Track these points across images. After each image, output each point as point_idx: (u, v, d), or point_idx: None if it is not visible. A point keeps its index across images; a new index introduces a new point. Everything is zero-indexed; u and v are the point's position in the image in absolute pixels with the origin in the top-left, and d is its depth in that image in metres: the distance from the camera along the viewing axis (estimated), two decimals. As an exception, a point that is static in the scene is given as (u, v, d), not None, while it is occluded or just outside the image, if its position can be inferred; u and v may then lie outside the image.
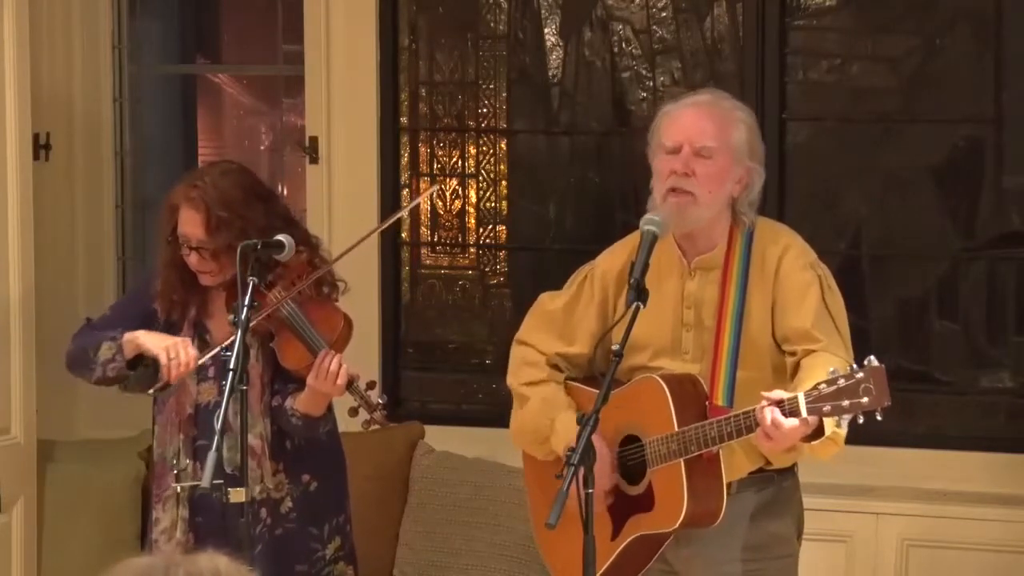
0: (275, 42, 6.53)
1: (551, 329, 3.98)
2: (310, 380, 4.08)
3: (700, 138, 3.76)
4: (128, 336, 4.19)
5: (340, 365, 4.06)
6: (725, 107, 3.85)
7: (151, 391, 4.17)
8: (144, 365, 4.20)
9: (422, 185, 5.75)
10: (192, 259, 4.20)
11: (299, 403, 4.15)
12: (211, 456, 3.78)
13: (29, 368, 5.27)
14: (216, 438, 3.81)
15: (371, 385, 4.14)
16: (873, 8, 5.25)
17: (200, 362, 4.12)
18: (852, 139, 5.32)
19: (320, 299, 4.24)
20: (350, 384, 4.07)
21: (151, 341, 4.16)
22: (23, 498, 5.33)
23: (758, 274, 3.79)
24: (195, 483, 4.06)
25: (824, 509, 4.83)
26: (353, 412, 4.12)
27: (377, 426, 4.13)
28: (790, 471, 3.88)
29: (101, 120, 6.07)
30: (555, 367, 3.98)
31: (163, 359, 4.10)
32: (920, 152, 5.24)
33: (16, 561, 5.29)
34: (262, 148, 7.17)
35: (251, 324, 3.90)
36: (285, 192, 6.62)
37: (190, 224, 4.18)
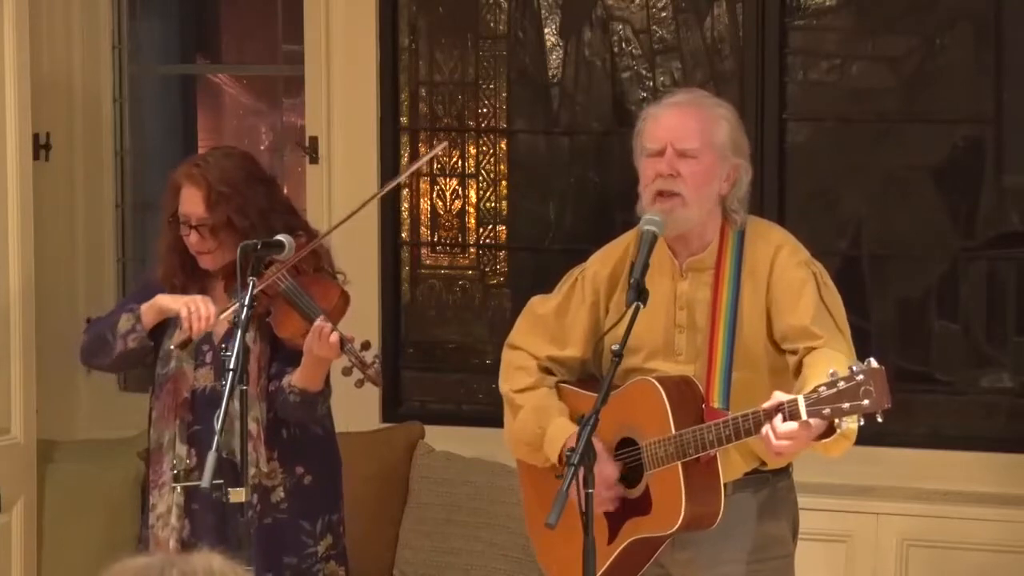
0: (275, 42, 6.52)
1: (542, 332, 3.98)
2: (306, 343, 4.09)
3: (683, 139, 3.75)
4: (146, 304, 4.25)
5: (333, 328, 4.07)
6: (706, 105, 3.85)
7: (173, 346, 4.22)
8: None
9: (422, 186, 5.75)
10: (192, 239, 4.22)
11: (296, 377, 4.16)
12: (211, 456, 3.77)
13: (29, 368, 5.27)
14: (216, 438, 3.81)
15: (366, 345, 4.13)
16: (873, 8, 5.25)
17: (221, 317, 4.15)
18: (852, 139, 5.32)
19: (316, 276, 4.26)
20: (343, 344, 4.08)
21: (170, 299, 4.23)
22: (23, 498, 5.33)
23: (750, 275, 3.78)
24: (196, 483, 4.06)
25: (824, 509, 4.84)
26: (347, 371, 4.11)
27: (371, 384, 4.14)
28: (785, 472, 3.88)
29: (101, 120, 6.07)
30: (546, 371, 3.97)
31: (183, 313, 4.15)
32: (920, 152, 5.24)
33: (16, 561, 5.29)
34: (262, 148, 7.16)
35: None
36: (285, 192, 6.61)
37: (191, 202, 4.21)
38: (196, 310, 4.14)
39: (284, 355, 4.23)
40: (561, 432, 3.81)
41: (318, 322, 4.08)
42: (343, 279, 4.33)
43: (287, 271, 4.18)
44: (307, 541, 4.30)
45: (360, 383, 4.13)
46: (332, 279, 4.30)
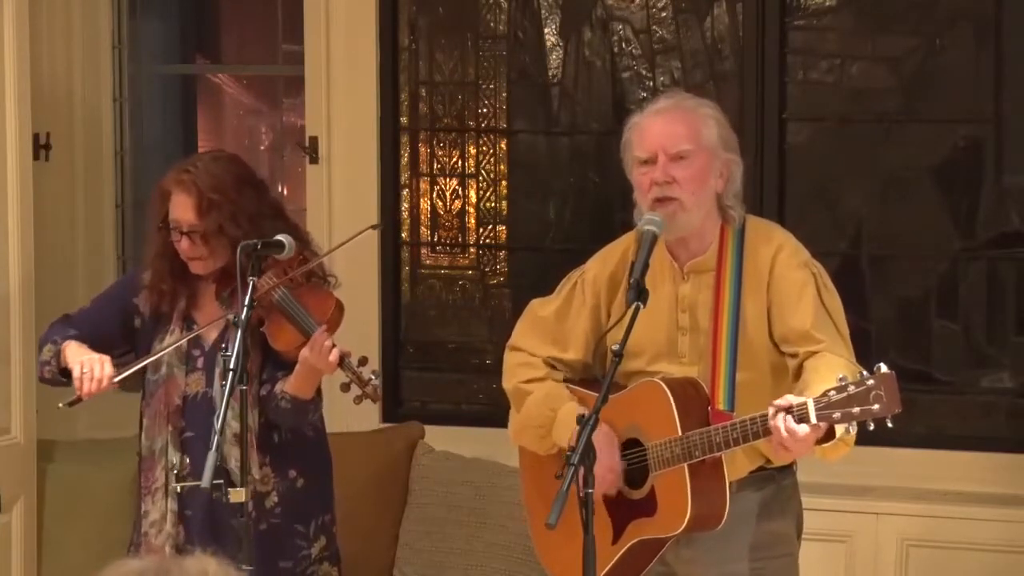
0: (275, 42, 6.53)
1: (543, 335, 3.98)
2: (303, 354, 4.08)
3: (674, 143, 3.75)
4: (64, 344, 4.23)
5: (332, 343, 4.06)
6: (690, 106, 3.84)
7: (60, 404, 4.18)
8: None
9: (422, 185, 5.75)
10: (183, 245, 4.20)
11: (289, 385, 4.14)
12: (211, 456, 3.76)
13: (29, 368, 5.26)
14: (216, 438, 3.80)
15: (363, 361, 4.11)
16: (873, 8, 5.25)
17: (117, 380, 4.13)
18: (852, 139, 5.32)
19: (310, 285, 4.25)
20: (342, 361, 4.07)
21: (72, 354, 4.20)
22: (23, 498, 5.33)
23: (751, 275, 3.78)
24: (195, 483, 4.05)
25: (824, 509, 4.83)
26: (345, 387, 4.10)
27: (369, 400, 4.13)
28: (789, 469, 3.88)
29: (101, 120, 6.07)
30: (552, 367, 3.97)
31: (75, 372, 4.13)
32: (920, 152, 5.24)
33: (16, 561, 5.29)
34: (262, 148, 7.18)
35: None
36: (285, 192, 6.62)
37: (181, 208, 4.19)
38: (90, 371, 4.12)
39: (275, 360, 4.22)
40: (572, 415, 3.80)
41: (317, 335, 4.07)
42: (334, 282, 4.32)
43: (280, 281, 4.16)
44: (301, 544, 4.29)
45: (359, 399, 4.11)
46: (325, 287, 4.29)
